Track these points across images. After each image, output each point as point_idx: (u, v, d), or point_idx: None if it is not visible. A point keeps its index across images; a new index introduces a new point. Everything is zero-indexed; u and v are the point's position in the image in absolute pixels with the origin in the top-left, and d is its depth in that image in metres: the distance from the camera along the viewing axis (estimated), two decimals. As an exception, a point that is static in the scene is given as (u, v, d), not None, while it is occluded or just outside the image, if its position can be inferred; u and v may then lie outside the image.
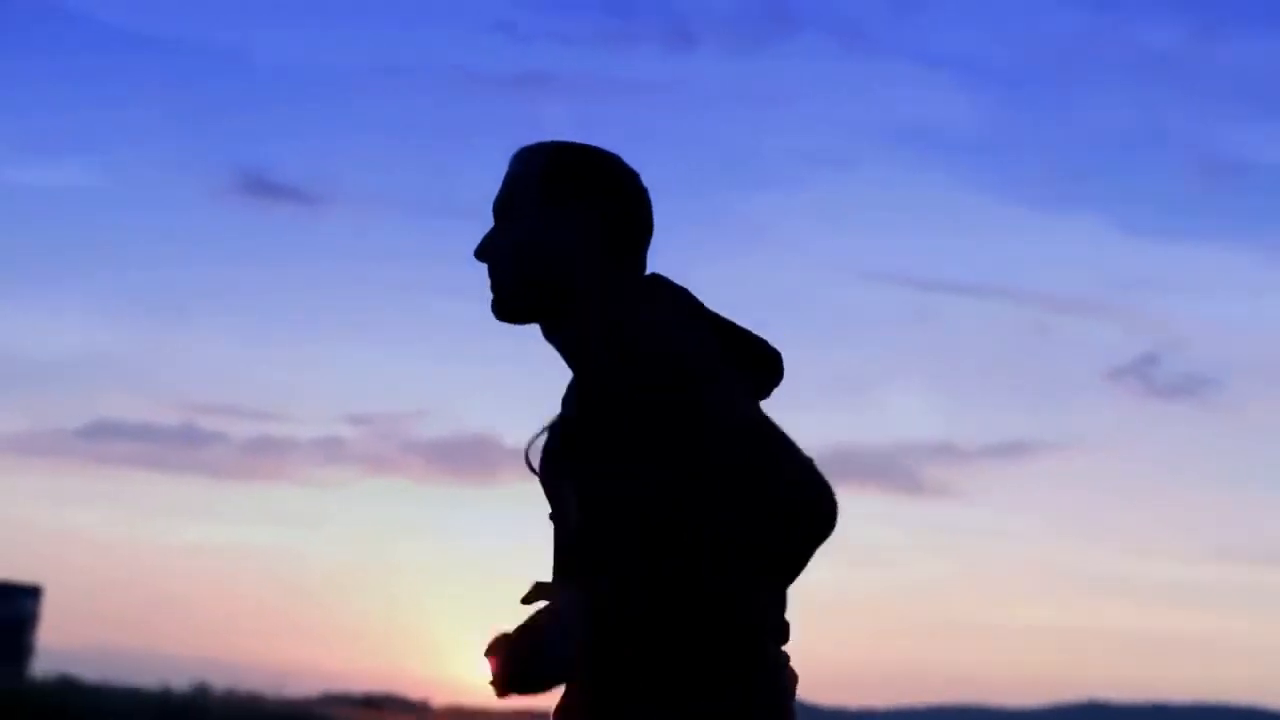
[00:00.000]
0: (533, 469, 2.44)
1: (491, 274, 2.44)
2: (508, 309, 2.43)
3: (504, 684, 2.26)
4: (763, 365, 2.39)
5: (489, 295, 2.45)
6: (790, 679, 2.30)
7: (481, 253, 2.45)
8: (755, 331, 2.40)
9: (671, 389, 2.22)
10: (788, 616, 2.32)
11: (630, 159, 2.51)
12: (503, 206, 2.46)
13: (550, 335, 2.43)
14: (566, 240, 2.40)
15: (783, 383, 2.42)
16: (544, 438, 2.43)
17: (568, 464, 2.34)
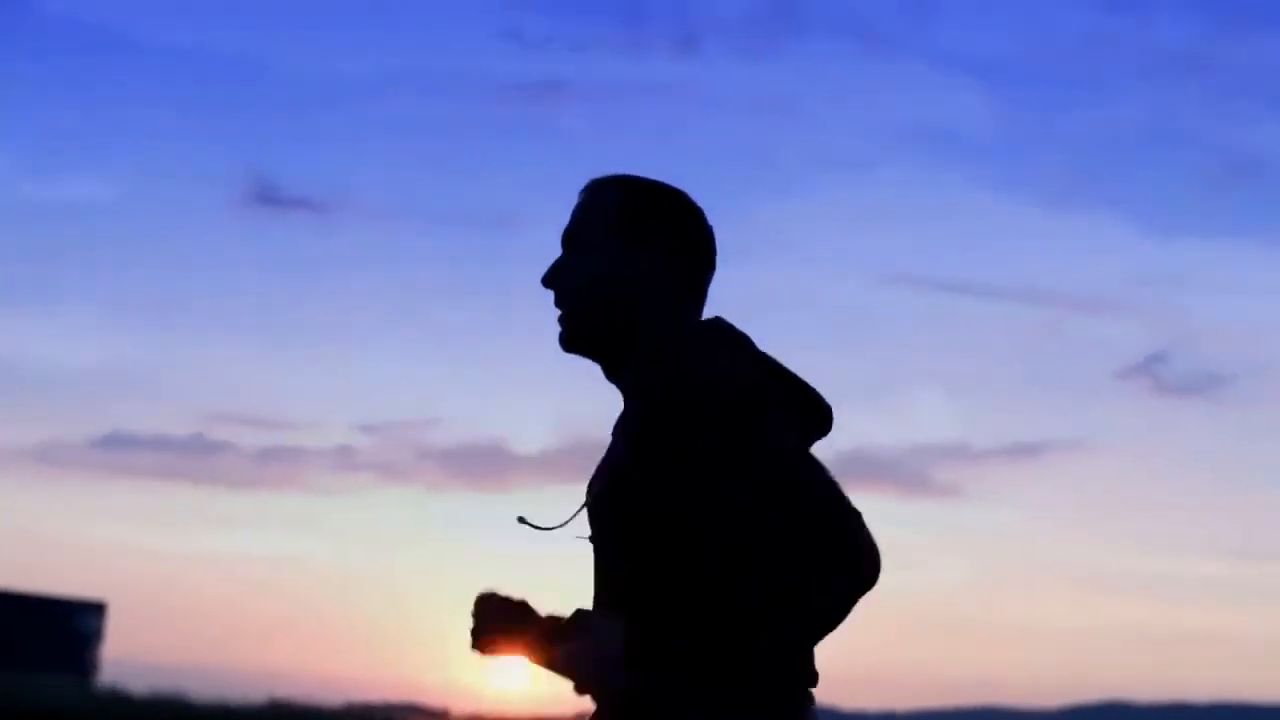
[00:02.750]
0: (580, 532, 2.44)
1: (560, 304, 2.46)
2: (578, 340, 2.45)
3: (480, 642, 2.40)
4: (813, 414, 2.40)
5: (556, 327, 2.47)
6: None
7: (550, 281, 2.47)
8: (808, 382, 2.41)
9: (728, 421, 2.23)
10: None
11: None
12: (574, 237, 2.48)
13: (611, 374, 2.47)
14: (638, 275, 2.42)
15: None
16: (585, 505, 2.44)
17: (624, 493, 2.33)
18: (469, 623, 2.42)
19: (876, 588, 2.22)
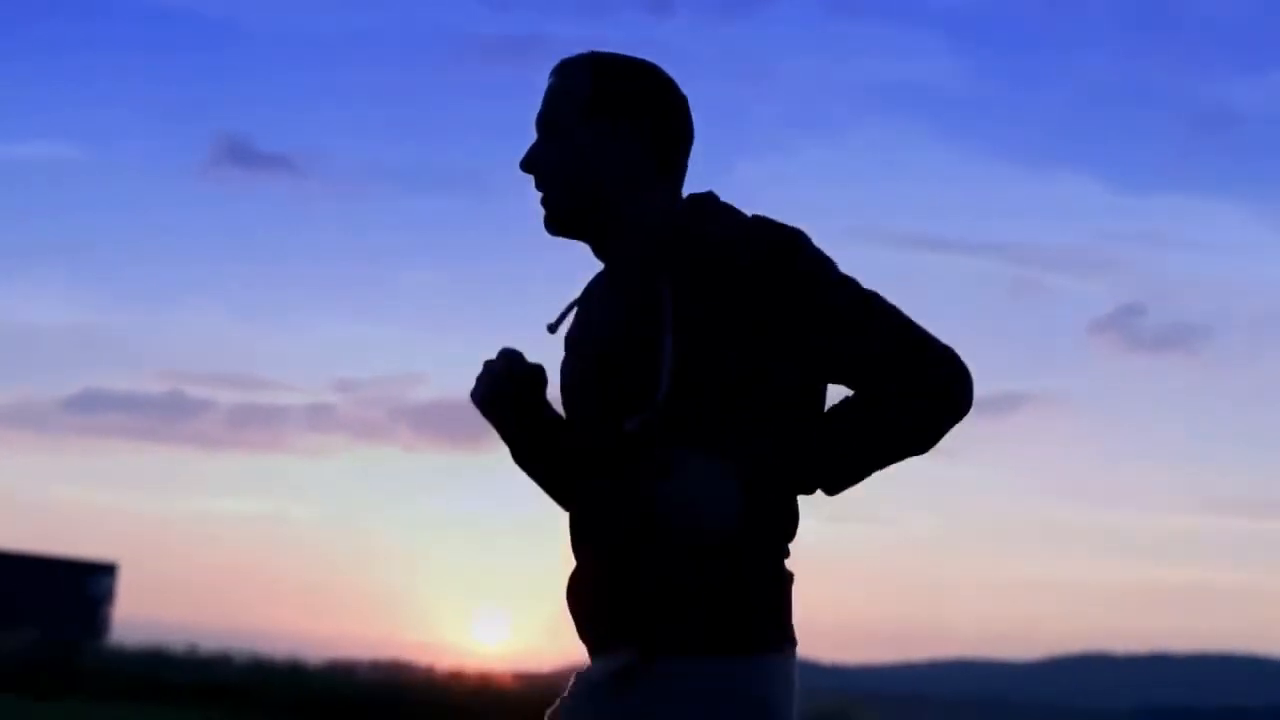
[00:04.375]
0: (552, 329, 2.50)
1: (540, 188, 2.47)
2: (561, 223, 2.46)
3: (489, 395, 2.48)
4: None
5: (539, 210, 2.47)
6: None
7: (528, 165, 2.48)
8: None
9: (794, 255, 2.31)
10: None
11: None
12: (547, 121, 2.48)
13: (600, 252, 2.48)
14: (615, 152, 2.43)
15: None
16: (573, 313, 2.51)
17: (667, 337, 2.32)
18: (481, 371, 2.49)
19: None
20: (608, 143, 2.43)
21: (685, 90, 2.47)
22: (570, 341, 2.51)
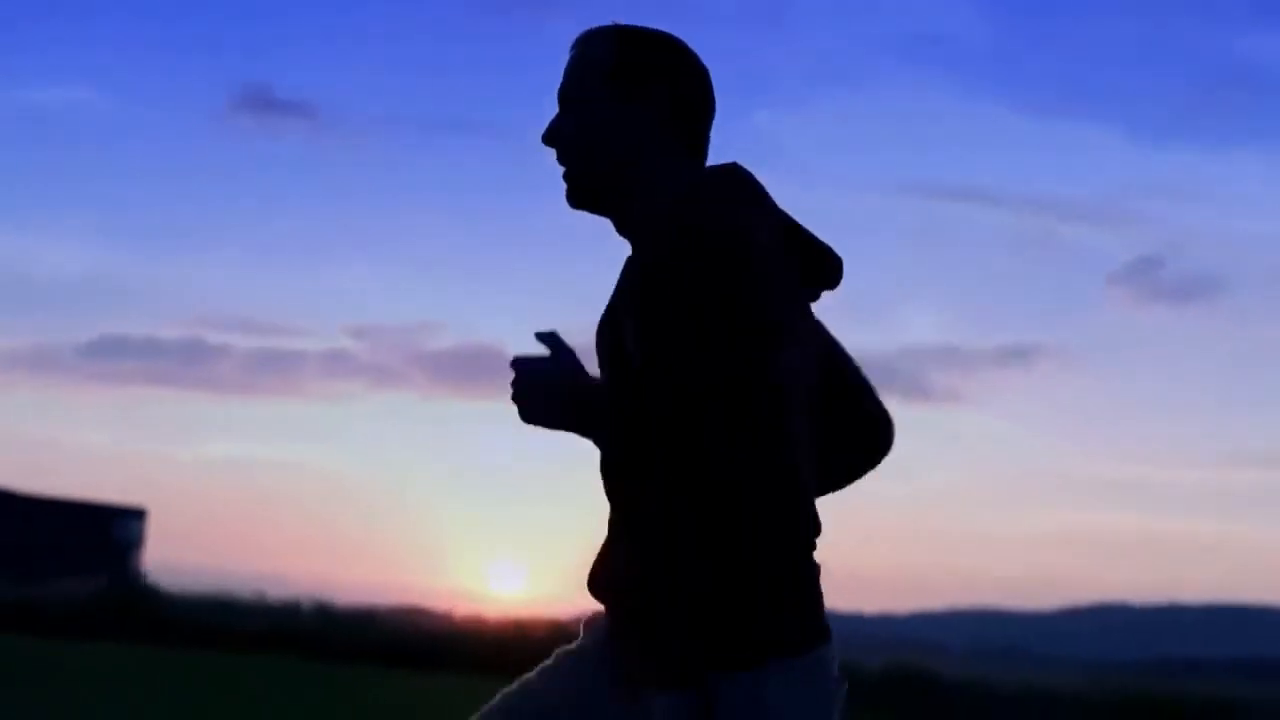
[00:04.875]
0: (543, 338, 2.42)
1: (562, 161, 2.44)
2: (582, 196, 2.44)
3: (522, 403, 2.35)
4: (822, 266, 2.39)
5: (561, 184, 2.45)
6: None
7: (550, 138, 2.45)
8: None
9: (733, 268, 2.21)
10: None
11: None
12: (569, 93, 2.45)
13: (622, 228, 2.44)
14: (636, 124, 2.40)
15: None
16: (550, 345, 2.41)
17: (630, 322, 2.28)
18: (512, 383, 2.37)
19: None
20: (629, 115, 2.40)
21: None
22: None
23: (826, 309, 2.45)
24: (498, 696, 2.48)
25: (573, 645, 2.49)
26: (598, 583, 2.42)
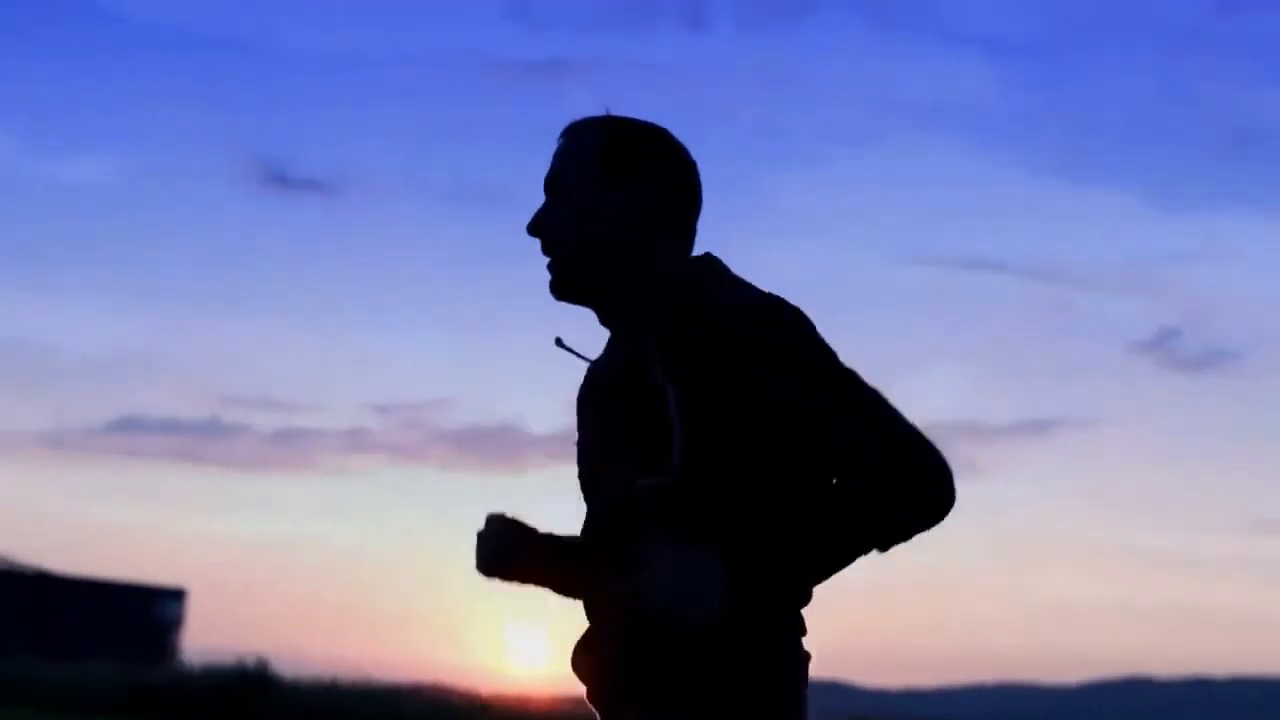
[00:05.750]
0: (564, 346, 2.46)
1: (547, 251, 2.42)
2: (568, 286, 2.42)
3: (490, 565, 2.41)
4: None
5: (545, 275, 2.43)
6: None
7: (535, 228, 2.42)
8: None
9: (771, 334, 2.24)
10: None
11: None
12: (556, 182, 2.42)
13: (605, 319, 2.44)
14: (624, 215, 2.38)
15: None
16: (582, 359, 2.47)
17: (661, 401, 2.28)
18: (476, 547, 2.41)
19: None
20: (617, 205, 2.38)
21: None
22: (580, 415, 2.47)
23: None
24: None
25: None
26: (582, 666, 2.39)
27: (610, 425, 2.37)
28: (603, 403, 2.40)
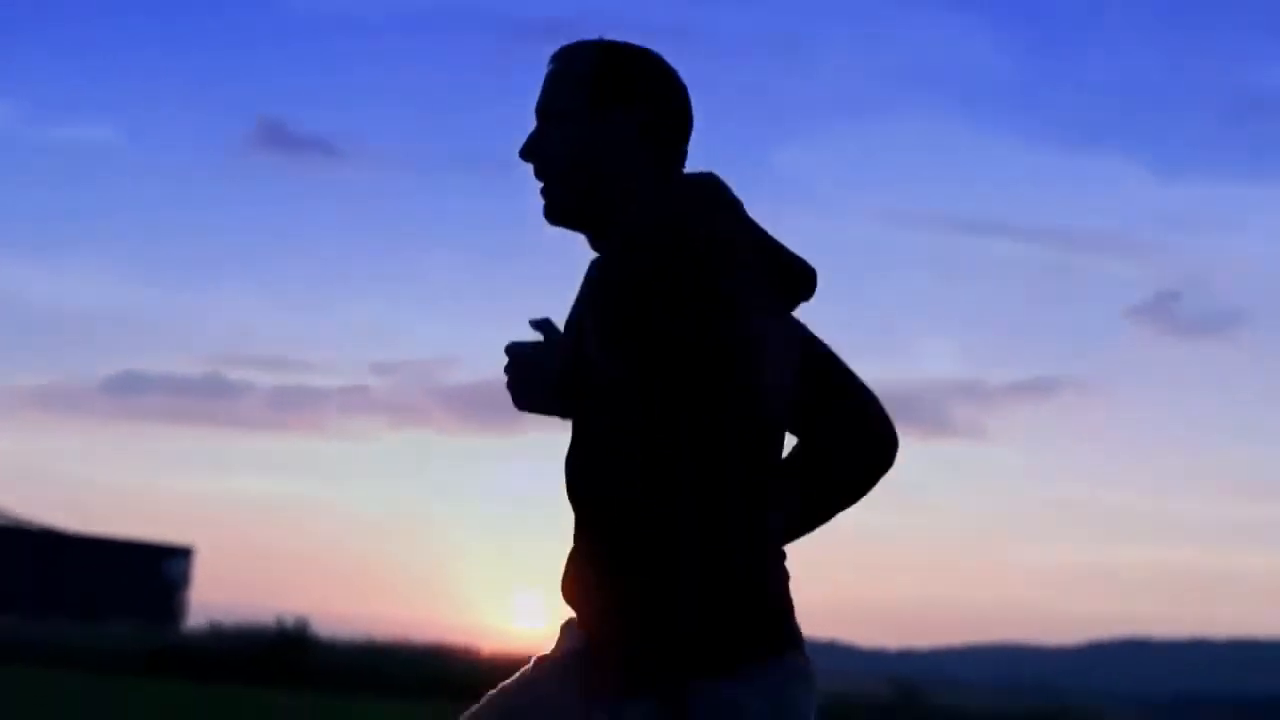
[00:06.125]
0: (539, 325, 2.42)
1: (539, 175, 2.43)
2: (560, 211, 2.42)
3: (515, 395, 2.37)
4: (792, 278, 2.40)
5: (539, 199, 2.44)
6: None
7: (527, 153, 2.44)
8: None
9: (712, 270, 2.23)
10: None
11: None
12: (547, 107, 2.44)
13: (597, 244, 2.43)
14: (614, 138, 2.38)
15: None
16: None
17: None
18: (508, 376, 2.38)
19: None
20: (607, 129, 2.38)
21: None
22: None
23: (845, 341, 2.46)
24: (479, 703, 2.45)
25: (550, 651, 2.46)
26: (569, 590, 2.41)
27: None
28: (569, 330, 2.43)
